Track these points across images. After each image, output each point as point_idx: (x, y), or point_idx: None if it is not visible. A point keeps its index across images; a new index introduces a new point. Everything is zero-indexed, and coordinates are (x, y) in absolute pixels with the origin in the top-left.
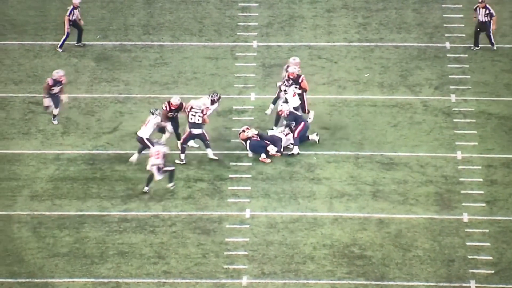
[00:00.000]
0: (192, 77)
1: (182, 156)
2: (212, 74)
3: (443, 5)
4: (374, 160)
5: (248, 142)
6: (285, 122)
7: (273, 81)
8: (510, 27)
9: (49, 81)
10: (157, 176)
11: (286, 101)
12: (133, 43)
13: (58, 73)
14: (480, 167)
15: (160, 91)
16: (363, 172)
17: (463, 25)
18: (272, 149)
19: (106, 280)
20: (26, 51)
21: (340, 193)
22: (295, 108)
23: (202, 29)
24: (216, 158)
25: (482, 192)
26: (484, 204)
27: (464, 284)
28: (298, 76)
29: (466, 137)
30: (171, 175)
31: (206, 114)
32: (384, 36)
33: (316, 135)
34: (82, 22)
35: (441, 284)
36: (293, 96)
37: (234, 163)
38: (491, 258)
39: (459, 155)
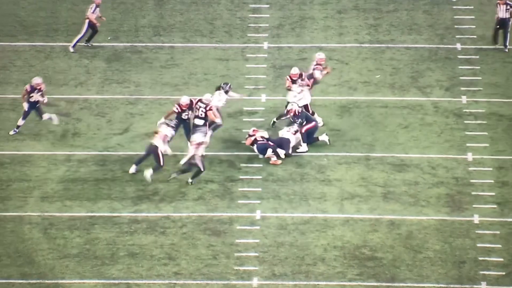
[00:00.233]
0: (203, 78)
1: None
2: (223, 76)
3: (454, 7)
4: (385, 162)
5: (255, 145)
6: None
7: (283, 82)
8: None
9: (27, 87)
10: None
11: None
12: (144, 44)
13: (36, 80)
14: (491, 169)
15: (171, 92)
16: (374, 174)
17: (474, 26)
18: (280, 153)
19: (116, 281)
20: (37, 52)
21: (351, 194)
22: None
23: (213, 31)
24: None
25: (493, 193)
26: (495, 206)
27: (475, 286)
28: (301, 74)
29: (477, 138)
30: (197, 172)
31: (212, 110)
32: (395, 38)
33: (326, 135)
34: (104, 19)
35: (452, 285)
36: (298, 93)
37: (245, 165)
38: (502, 259)
39: (470, 156)
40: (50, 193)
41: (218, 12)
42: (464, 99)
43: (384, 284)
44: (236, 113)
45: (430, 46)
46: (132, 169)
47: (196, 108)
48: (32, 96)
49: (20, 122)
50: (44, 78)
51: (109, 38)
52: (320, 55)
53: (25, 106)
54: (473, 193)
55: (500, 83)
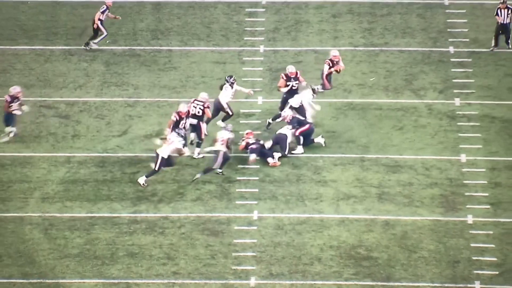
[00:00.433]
0: (200, 81)
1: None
2: (220, 78)
3: (447, 10)
4: (380, 163)
5: (248, 150)
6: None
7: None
8: None
9: (7, 98)
10: (216, 164)
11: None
12: (142, 47)
13: (15, 89)
14: (484, 170)
15: (169, 95)
16: (369, 175)
17: (466, 29)
18: (274, 158)
19: (116, 281)
20: (37, 55)
21: (346, 195)
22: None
23: (210, 34)
24: (199, 157)
25: (487, 194)
26: (488, 206)
27: (469, 285)
28: (297, 73)
29: (470, 140)
30: (224, 163)
31: (209, 107)
32: (389, 41)
33: (322, 137)
34: (119, 18)
35: (446, 285)
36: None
37: (242, 166)
38: (495, 259)
39: (463, 158)
40: (51, 194)
41: (215, 16)
42: (457, 101)
43: (379, 283)
44: (233, 115)
45: (424, 49)
46: (142, 180)
47: (193, 107)
48: (11, 106)
49: (10, 129)
50: (44, 81)
51: (107, 41)
52: (335, 52)
53: (17, 112)
54: (467, 193)
55: (493, 85)
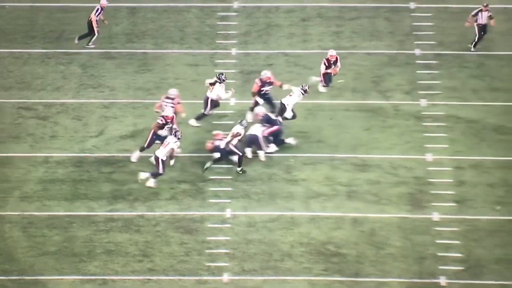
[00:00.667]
0: (174, 83)
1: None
2: (193, 80)
3: (413, 14)
4: (349, 162)
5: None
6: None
7: (251, 86)
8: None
9: None
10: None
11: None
12: (117, 50)
13: None
14: (449, 169)
15: (144, 96)
16: (338, 174)
17: (432, 32)
18: (233, 158)
19: (93, 277)
20: (15, 58)
21: (316, 193)
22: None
23: (184, 37)
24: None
25: (452, 192)
26: (453, 204)
27: (435, 280)
28: (270, 78)
29: (436, 140)
30: (239, 160)
31: (180, 103)
32: (357, 44)
33: (293, 139)
34: (106, 23)
35: (413, 280)
36: (289, 96)
37: (216, 165)
38: (460, 255)
39: (429, 157)
40: (30, 193)
41: (188, 20)
42: (423, 102)
43: (348, 279)
44: (206, 116)
45: (390, 51)
46: (142, 175)
47: (164, 104)
48: None
49: None
50: (23, 83)
51: (83, 45)
52: (331, 52)
53: None
54: (433, 192)
55: (458, 86)
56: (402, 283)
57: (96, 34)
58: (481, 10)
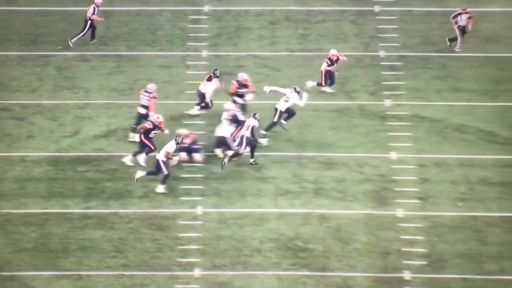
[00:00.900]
0: (146, 84)
1: (132, 134)
2: (165, 81)
3: (377, 17)
4: (316, 161)
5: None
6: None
7: (224, 87)
8: (439, 37)
9: None
10: (242, 148)
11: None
12: (92, 53)
13: None
14: (413, 167)
15: (117, 97)
16: (306, 172)
17: (396, 35)
18: (184, 155)
19: (69, 273)
20: None
21: (284, 191)
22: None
23: (156, 40)
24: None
25: (416, 189)
26: (417, 201)
27: (399, 275)
28: (247, 80)
29: (400, 138)
30: (252, 151)
31: (155, 98)
32: (323, 46)
33: (264, 137)
34: (101, 19)
35: (378, 274)
36: (285, 101)
37: (187, 164)
38: (424, 250)
39: (393, 155)
40: (7, 192)
41: (160, 23)
42: (387, 102)
43: (315, 273)
44: (177, 116)
45: (356, 53)
46: (139, 174)
47: (141, 97)
48: None
49: None
50: (0, 85)
51: (59, 48)
52: (333, 51)
53: None
54: (397, 189)
55: (421, 87)
56: (367, 278)
57: (84, 33)
58: (460, 13)
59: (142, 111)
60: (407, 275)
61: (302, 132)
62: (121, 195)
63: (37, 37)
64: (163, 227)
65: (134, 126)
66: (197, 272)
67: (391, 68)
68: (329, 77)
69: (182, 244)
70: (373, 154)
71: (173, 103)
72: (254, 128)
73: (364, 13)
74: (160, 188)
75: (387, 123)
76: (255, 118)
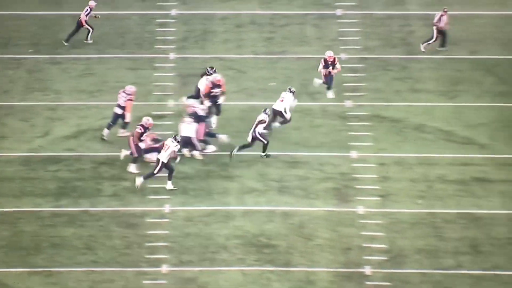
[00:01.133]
0: (115, 85)
1: (106, 131)
2: (134, 83)
3: (339, 20)
4: (280, 160)
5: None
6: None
7: (188, 89)
8: (399, 39)
9: None
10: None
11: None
12: (62, 56)
13: None
14: (374, 165)
15: (87, 98)
16: (270, 170)
17: (357, 38)
18: (153, 156)
19: (40, 269)
20: None
21: (250, 189)
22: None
23: (124, 43)
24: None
25: (376, 187)
26: (377, 198)
27: (360, 270)
28: (220, 80)
29: (361, 138)
30: (265, 146)
31: (131, 100)
32: (287, 49)
33: (227, 137)
34: (99, 17)
35: (339, 270)
36: (280, 101)
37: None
38: (384, 246)
39: (354, 154)
40: None
41: (129, 27)
42: (348, 103)
43: (279, 268)
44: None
45: (319, 56)
46: (138, 180)
47: (119, 98)
48: None
49: None
50: None
51: (30, 50)
52: (329, 53)
53: None
54: (358, 186)
55: (381, 88)
56: (329, 273)
57: (91, 30)
58: (442, 15)
59: (119, 111)
60: (367, 270)
61: (267, 132)
62: (91, 194)
63: (9, 40)
64: (132, 225)
65: (111, 124)
66: (164, 268)
67: (352, 70)
68: (329, 80)
69: (150, 241)
70: (334, 153)
71: (141, 104)
72: (265, 123)
73: (326, 17)
74: (139, 180)
75: (348, 123)
76: (266, 113)
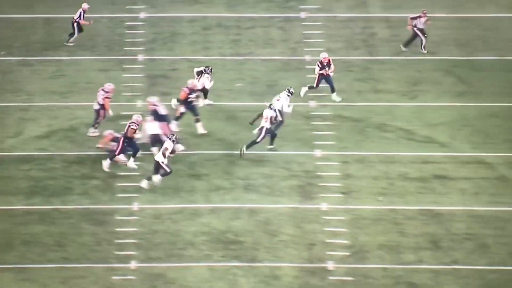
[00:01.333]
0: (86, 86)
1: (92, 129)
2: (103, 84)
3: (303, 23)
4: (246, 158)
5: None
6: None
7: (157, 90)
8: (361, 41)
9: None
10: (260, 138)
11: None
12: (34, 58)
13: None
14: (336, 163)
15: (58, 99)
16: (236, 168)
17: (321, 40)
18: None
19: (12, 266)
20: None
21: (216, 187)
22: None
23: (95, 45)
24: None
25: (339, 184)
26: (340, 195)
27: (323, 265)
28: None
29: (324, 137)
30: (272, 138)
31: (109, 98)
32: (253, 51)
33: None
34: (92, 22)
35: (303, 265)
36: (277, 100)
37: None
38: (346, 242)
39: (318, 153)
40: None
41: (98, 29)
42: (312, 103)
43: (245, 264)
44: (114, 117)
45: (283, 58)
46: (144, 183)
47: (98, 95)
48: None
49: None
50: None
51: (2, 53)
52: (324, 55)
53: None
54: (321, 184)
55: (344, 89)
56: (294, 268)
57: (77, 33)
58: (420, 16)
59: (96, 107)
60: (330, 265)
61: (233, 132)
62: (62, 192)
63: None
64: (101, 222)
65: (97, 123)
66: (133, 264)
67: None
68: (327, 82)
69: (119, 238)
70: (299, 152)
71: (110, 104)
72: (272, 118)
73: (291, 20)
74: (157, 178)
75: (312, 122)
76: (271, 109)
